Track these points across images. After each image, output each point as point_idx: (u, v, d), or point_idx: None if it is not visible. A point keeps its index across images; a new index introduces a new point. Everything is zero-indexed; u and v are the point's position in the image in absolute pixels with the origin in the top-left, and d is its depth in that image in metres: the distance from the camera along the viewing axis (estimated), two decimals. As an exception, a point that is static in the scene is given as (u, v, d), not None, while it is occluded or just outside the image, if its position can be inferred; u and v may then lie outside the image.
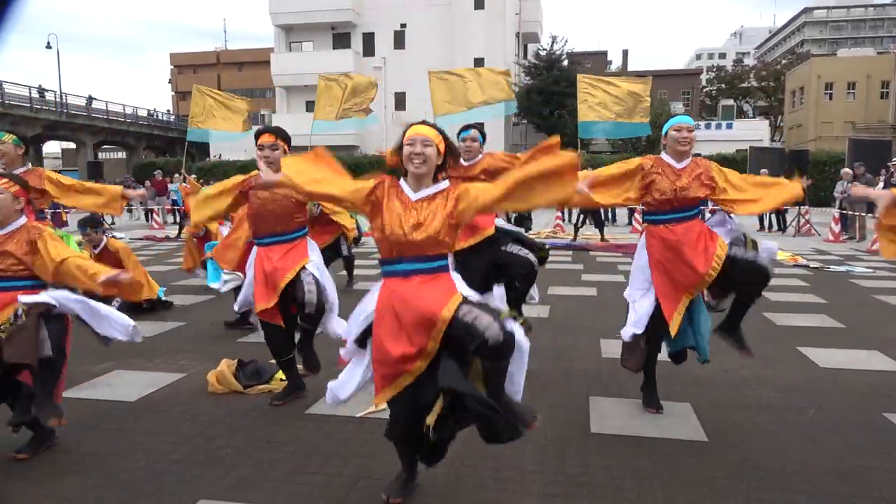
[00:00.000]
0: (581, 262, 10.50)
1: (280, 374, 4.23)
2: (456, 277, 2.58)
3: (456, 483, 2.85)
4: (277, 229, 3.84)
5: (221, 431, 3.48)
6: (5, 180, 3.05)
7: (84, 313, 3.13)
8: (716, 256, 3.40)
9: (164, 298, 6.83)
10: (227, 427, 3.55)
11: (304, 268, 3.79)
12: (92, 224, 6.45)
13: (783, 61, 56.87)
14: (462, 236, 4.23)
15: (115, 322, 3.16)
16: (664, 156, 3.59)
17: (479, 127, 4.65)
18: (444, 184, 2.62)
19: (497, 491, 2.76)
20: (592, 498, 2.72)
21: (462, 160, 4.53)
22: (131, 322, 3.18)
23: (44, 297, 3.04)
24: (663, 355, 3.74)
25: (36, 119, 32.87)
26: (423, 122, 2.65)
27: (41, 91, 34.30)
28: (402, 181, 2.61)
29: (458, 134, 4.63)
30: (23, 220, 3.15)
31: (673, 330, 3.49)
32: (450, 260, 2.59)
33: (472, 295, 2.52)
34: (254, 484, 2.87)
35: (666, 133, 3.57)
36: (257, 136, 3.86)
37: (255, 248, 3.96)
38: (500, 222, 4.57)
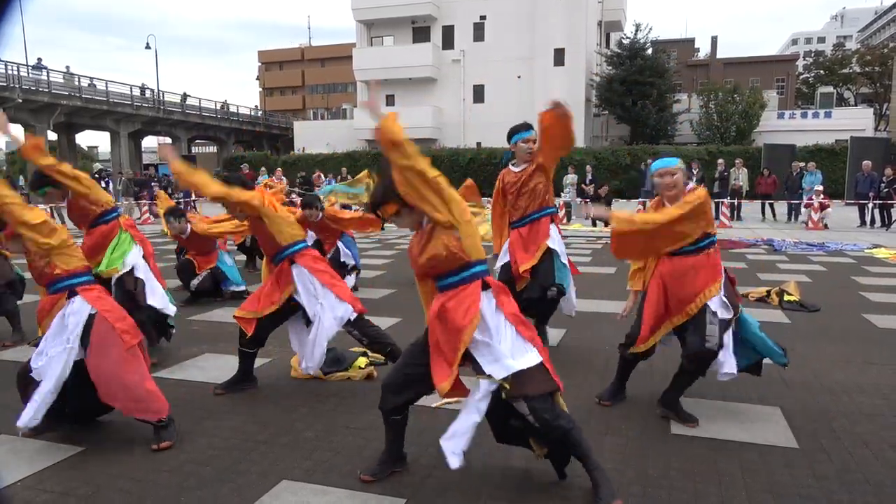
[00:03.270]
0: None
1: (359, 362, 4.33)
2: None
3: (529, 477, 2.83)
4: None
5: (302, 416, 3.61)
6: None
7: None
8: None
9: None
10: (308, 412, 3.67)
11: None
12: (175, 214, 6.71)
13: (891, 44, 52.74)
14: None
15: None
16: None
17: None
18: None
19: (573, 488, 2.72)
20: (673, 501, 2.64)
21: (514, 166, 4.50)
22: None
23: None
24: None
25: (136, 115, 35.06)
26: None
27: (142, 89, 36.48)
28: None
29: (511, 136, 4.52)
30: None
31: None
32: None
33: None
34: (332, 468, 2.95)
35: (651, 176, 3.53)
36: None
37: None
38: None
